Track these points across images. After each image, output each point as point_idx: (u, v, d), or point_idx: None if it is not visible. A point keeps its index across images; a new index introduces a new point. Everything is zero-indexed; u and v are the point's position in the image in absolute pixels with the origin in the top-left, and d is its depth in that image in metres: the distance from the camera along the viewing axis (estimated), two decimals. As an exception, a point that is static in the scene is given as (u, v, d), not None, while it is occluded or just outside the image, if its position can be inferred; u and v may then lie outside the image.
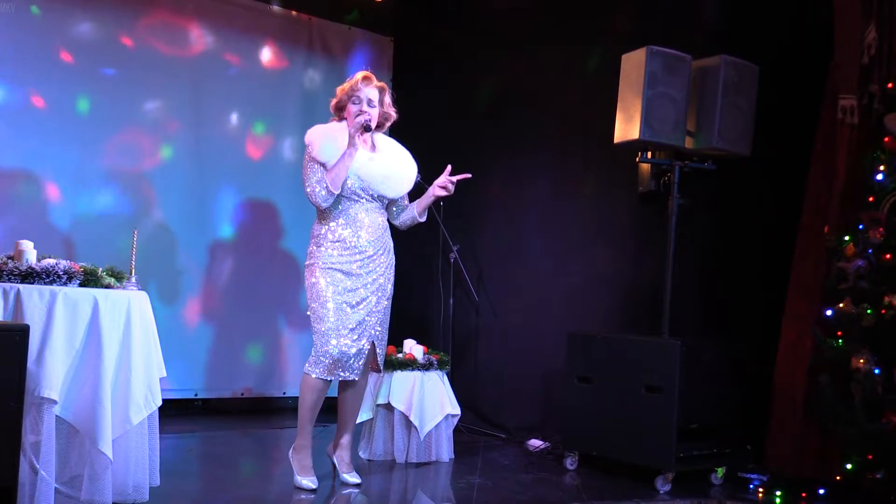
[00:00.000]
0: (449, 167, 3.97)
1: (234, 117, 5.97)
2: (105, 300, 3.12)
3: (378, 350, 3.96)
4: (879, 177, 4.02)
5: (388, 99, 3.97)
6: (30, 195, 5.18)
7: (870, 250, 3.96)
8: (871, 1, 4.20)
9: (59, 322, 3.00)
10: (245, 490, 3.88)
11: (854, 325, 3.92)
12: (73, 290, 3.08)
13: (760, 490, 4.14)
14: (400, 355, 4.61)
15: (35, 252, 3.19)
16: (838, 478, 3.99)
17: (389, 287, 3.98)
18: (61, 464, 3.11)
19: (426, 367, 4.62)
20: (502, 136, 5.77)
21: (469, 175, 3.99)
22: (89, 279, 3.19)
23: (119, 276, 3.35)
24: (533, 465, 4.56)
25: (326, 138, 3.84)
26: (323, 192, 3.78)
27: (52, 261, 3.15)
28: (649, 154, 4.48)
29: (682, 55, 4.30)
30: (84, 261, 3.30)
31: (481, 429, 5.49)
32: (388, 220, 4.04)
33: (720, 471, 4.27)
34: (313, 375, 3.80)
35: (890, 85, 4.12)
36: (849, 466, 3.91)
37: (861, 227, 4.02)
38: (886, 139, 4.04)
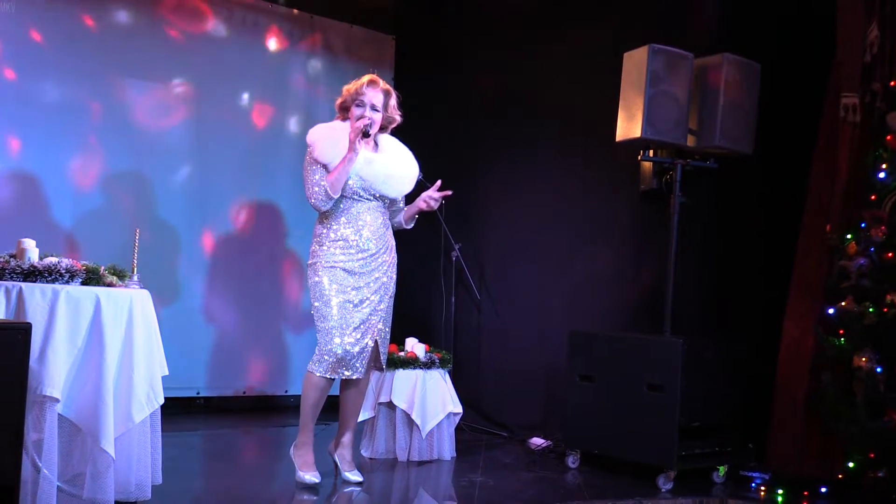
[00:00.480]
0: (439, 182, 3.97)
1: (235, 117, 5.97)
2: (107, 299, 3.12)
3: (381, 349, 3.96)
4: (882, 175, 4.02)
5: (393, 102, 3.96)
6: (31, 193, 5.18)
7: (872, 248, 3.96)
8: (873, -1, 4.21)
9: (61, 320, 3.00)
10: (247, 488, 3.88)
11: (856, 323, 3.92)
12: (76, 289, 3.08)
13: (762, 488, 4.14)
14: (402, 354, 4.61)
15: (37, 250, 3.20)
16: (840, 476, 3.98)
17: (392, 286, 3.98)
18: (64, 462, 3.11)
19: (428, 365, 4.62)
20: (504, 135, 5.77)
21: (450, 192, 3.97)
22: (91, 277, 3.19)
23: (121, 275, 3.35)
24: (535, 464, 4.56)
25: (328, 139, 3.84)
26: (322, 196, 3.78)
27: (54, 259, 3.15)
28: (651, 152, 4.48)
29: (683, 53, 4.30)
30: (86, 259, 3.30)
31: (483, 427, 5.49)
32: None
33: (722, 469, 4.27)
34: (317, 374, 3.81)
35: (892, 83, 4.12)
36: (851, 465, 3.92)
37: (863, 225, 4.02)
38: (889, 137, 4.04)
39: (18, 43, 5.13)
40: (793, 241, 4.43)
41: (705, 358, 4.19)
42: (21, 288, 2.99)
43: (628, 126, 4.28)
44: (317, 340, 3.84)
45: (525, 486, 4.08)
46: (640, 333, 4.50)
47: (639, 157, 4.52)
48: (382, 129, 3.98)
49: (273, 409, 6.05)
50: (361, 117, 3.82)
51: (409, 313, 5.45)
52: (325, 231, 3.88)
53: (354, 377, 3.88)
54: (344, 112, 3.95)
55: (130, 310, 3.19)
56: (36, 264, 3.10)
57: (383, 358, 4.01)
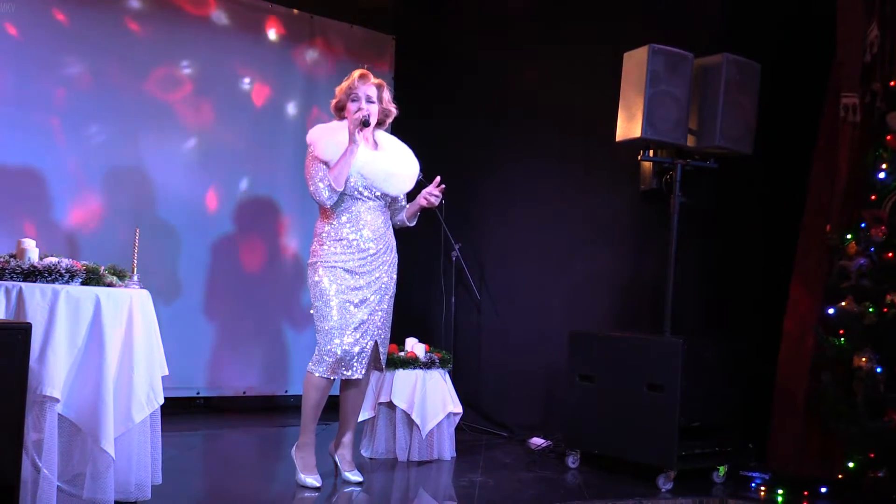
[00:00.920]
0: (438, 178, 3.97)
1: (235, 118, 5.97)
2: (107, 299, 3.12)
3: (381, 349, 3.96)
4: (881, 175, 4.02)
5: (387, 95, 3.97)
6: (32, 193, 5.18)
7: (872, 248, 3.96)
8: (873, -1, 4.21)
9: (61, 320, 3.00)
10: (247, 488, 3.88)
11: (856, 323, 3.92)
12: (76, 289, 3.08)
13: (762, 488, 4.14)
14: (402, 354, 4.61)
15: (37, 250, 3.19)
16: (840, 476, 3.98)
17: (392, 285, 3.98)
18: (63, 462, 3.11)
19: (428, 365, 4.62)
20: (504, 134, 5.77)
21: (443, 185, 3.97)
22: (91, 277, 3.19)
23: (121, 275, 3.35)
24: (535, 464, 4.56)
25: (328, 137, 3.85)
26: (326, 191, 3.78)
27: (54, 259, 3.15)
28: (651, 152, 4.48)
29: (684, 53, 4.29)
30: (86, 259, 3.30)
31: (483, 427, 5.49)
32: None
33: (722, 469, 4.27)
34: (317, 374, 3.81)
35: (892, 83, 4.12)
36: (851, 465, 3.91)
37: (863, 225, 4.01)
38: (889, 137, 4.04)
39: (7, 39, 5.13)
40: (793, 241, 4.43)
41: (705, 358, 4.19)
42: (21, 288, 2.99)
43: (628, 126, 4.28)
44: (316, 340, 3.84)
45: (525, 486, 4.08)
46: (640, 333, 4.50)
47: (639, 157, 4.52)
48: (380, 123, 3.98)
49: (273, 409, 6.05)
50: (359, 110, 3.82)
51: (409, 313, 5.45)
52: (325, 230, 3.88)
53: (354, 377, 3.88)
54: (340, 112, 3.95)
55: (130, 310, 3.19)
56: (36, 264, 3.10)
57: (383, 358, 4.01)
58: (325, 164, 3.80)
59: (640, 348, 4.26)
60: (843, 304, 3.98)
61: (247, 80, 6.03)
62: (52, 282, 3.07)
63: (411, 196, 4.07)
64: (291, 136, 6.12)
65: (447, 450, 4.62)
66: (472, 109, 5.98)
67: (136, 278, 3.44)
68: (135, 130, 5.56)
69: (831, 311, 4.03)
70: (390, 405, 4.54)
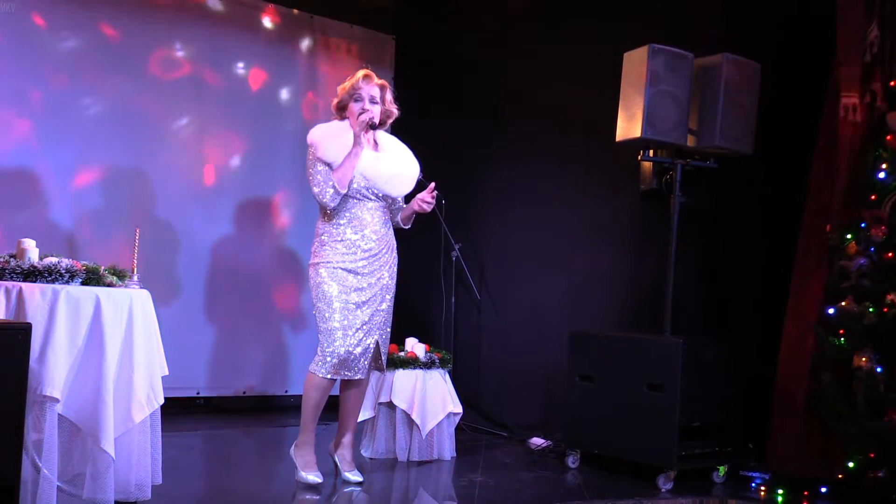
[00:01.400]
0: (433, 184, 3.97)
1: (235, 118, 5.97)
2: (107, 299, 3.12)
3: (381, 349, 3.97)
4: (882, 175, 4.02)
5: (389, 96, 3.97)
6: (32, 193, 5.18)
7: (872, 248, 3.96)
8: (873, -1, 4.21)
9: (61, 320, 3.00)
10: (247, 488, 3.88)
11: (856, 323, 3.92)
12: (76, 289, 3.08)
13: (762, 488, 4.14)
14: (402, 354, 4.61)
15: (37, 250, 3.20)
16: (840, 476, 3.98)
17: (393, 285, 3.98)
18: (63, 462, 3.11)
19: (428, 365, 4.62)
20: (504, 134, 5.77)
21: (435, 192, 3.97)
22: (91, 277, 3.19)
23: (121, 275, 3.35)
24: (535, 464, 4.56)
25: (330, 138, 3.84)
26: (331, 192, 3.78)
27: (54, 259, 3.15)
28: (651, 152, 4.48)
29: (684, 53, 4.29)
30: (86, 259, 3.30)
31: (483, 427, 5.49)
32: None
33: (722, 469, 4.27)
34: (318, 375, 3.81)
35: (892, 83, 4.11)
36: (851, 465, 3.91)
37: (863, 225, 4.01)
38: (889, 137, 4.04)
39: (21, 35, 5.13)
40: (793, 241, 4.43)
41: (705, 358, 4.19)
42: (21, 288, 2.99)
43: (628, 126, 4.28)
44: (318, 341, 3.84)
45: (525, 485, 4.08)
46: (641, 333, 4.50)
47: (639, 157, 4.52)
48: (381, 124, 3.97)
49: (273, 409, 6.05)
50: (363, 111, 3.82)
51: (409, 313, 5.44)
52: (327, 230, 3.87)
53: (356, 378, 3.88)
54: (341, 112, 3.95)
55: (130, 310, 3.19)
56: (36, 264, 3.10)
57: (384, 359, 4.01)
58: (328, 164, 3.80)
59: (640, 348, 4.26)
60: (843, 304, 3.97)
61: (247, 80, 6.03)
62: (52, 282, 3.07)
63: (409, 196, 4.08)
64: (292, 138, 6.11)
65: (447, 450, 4.62)
66: (473, 109, 5.98)
67: (136, 278, 3.44)
68: (135, 130, 5.55)
69: (831, 311, 4.03)
70: (390, 405, 4.54)
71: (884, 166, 4.02)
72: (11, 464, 2.73)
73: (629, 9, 5.02)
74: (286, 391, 6.13)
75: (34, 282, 3.05)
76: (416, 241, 5.11)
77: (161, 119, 5.67)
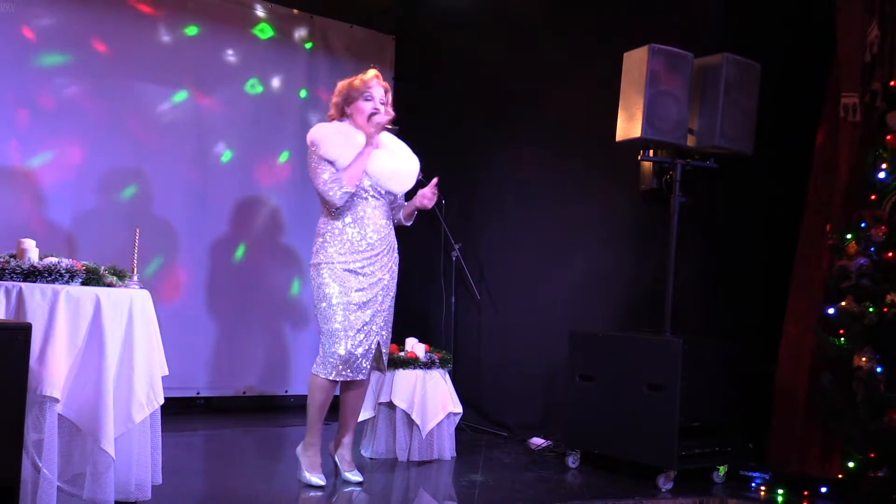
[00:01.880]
0: (435, 179, 3.97)
1: (235, 118, 5.97)
2: (107, 299, 3.12)
3: (382, 349, 3.97)
4: (881, 175, 4.02)
5: (390, 98, 3.98)
6: (32, 193, 5.18)
7: (872, 248, 3.95)
8: (872, -2, 4.21)
9: (61, 321, 3.00)
10: (247, 488, 3.88)
11: (856, 323, 3.91)
12: (76, 289, 3.08)
13: (762, 488, 4.14)
14: (402, 354, 4.61)
15: (37, 250, 3.20)
16: (840, 476, 3.98)
17: (394, 286, 3.98)
18: (63, 462, 3.11)
19: (428, 365, 4.62)
20: (504, 135, 5.77)
21: (436, 179, 4.00)
22: (91, 278, 3.19)
23: (121, 275, 3.35)
24: (535, 464, 4.56)
25: (333, 136, 3.83)
26: (339, 191, 3.76)
27: (54, 259, 3.15)
28: (651, 152, 4.48)
29: (683, 53, 4.29)
30: (86, 259, 3.30)
31: (483, 427, 5.49)
32: None
33: (722, 469, 4.27)
34: (321, 376, 3.80)
35: (892, 83, 4.11)
36: (851, 465, 3.91)
37: (863, 225, 4.01)
38: (889, 137, 4.03)
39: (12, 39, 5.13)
40: (793, 241, 4.43)
41: (705, 358, 4.19)
42: (21, 288, 2.99)
43: (628, 126, 4.28)
44: (319, 341, 3.84)
45: (525, 486, 4.08)
46: (641, 333, 4.50)
47: (639, 157, 4.51)
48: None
49: (273, 409, 6.05)
50: (374, 111, 3.82)
51: (409, 313, 5.45)
52: (328, 230, 3.86)
53: (359, 378, 3.88)
54: (345, 109, 3.91)
55: (130, 310, 3.19)
56: (36, 264, 3.10)
57: (385, 359, 4.01)
58: (331, 163, 3.78)
59: (640, 348, 4.26)
60: (843, 303, 3.97)
61: (247, 80, 6.03)
62: (52, 282, 3.07)
63: (408, 195, 4.08)
64: (292, 138, 6.12)
65: (447, 450, 4.62)
66: (472, 109, 5.98)
67: (136, 278, 3.44)
68: (135, 129, 5.55)
69: (831, 310, 4.03)
70: (390, 405, 4.54)
71: (884, 166, 4.02)
72: (11, 464, 2.72)
73: (629, 9, 5.02)
74: (286, 391, 6.13)
75: (34, 282, 3.05)
76: (416, 241, 5.11)
77: (161, 119, 5.66)
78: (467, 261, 5.68)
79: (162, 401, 3.30)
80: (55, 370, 2.96)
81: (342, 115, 3.93)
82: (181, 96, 5.75)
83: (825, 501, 4.00)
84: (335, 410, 4.14)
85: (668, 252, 4.39)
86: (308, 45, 6.28)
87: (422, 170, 4.08)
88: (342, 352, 3.78)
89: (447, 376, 4.74)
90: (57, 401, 2.98)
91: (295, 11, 6.24)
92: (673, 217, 4.40)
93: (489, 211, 5.81)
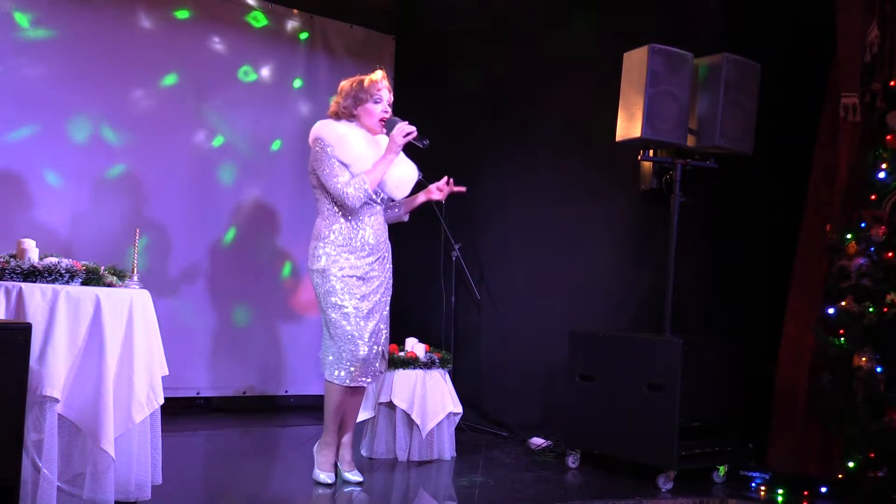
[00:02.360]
0: (446, 178, 3.99)
1: (234, 118, 5.96)
2: (107, 299, 3.12)
3: (383, 351, 3.99)
4: (881, 175, 4.02)
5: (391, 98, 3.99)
6: (32, 193, 5.18)
7: (872, 248, 3.95)
8: (872, -1, 4.21)
9: (61, 320, 3.00)
10: (247, 488, 3.88)
11: (856, 323, 3.91)
12: (76, 289, 3.08)
13: (762, 488, 4.14)
14: (402, 354, 4.61)
15: (37, 250, 3.19)
16: (840, 476, 3.98)
17: (391, 288, 4.02)
18: (64, 462, 3.11)
19: (428, 365, 4.62)
20: (503, 135, 5.77)
21: (464, 189, 4.03)
22: (91, 278, 3.19)
23: (121, 275, 3.35)
24: (535, 464, 4.56)
25: (351, 139, 3.81)
26: (360, 195, 3.75)
27: (54, 259, 3.15)
28: (651, 152, 4.48)
29: (684, 53, 4.29)
30: (86, 259, 3.30)
31: (483, 427, 5.49)
32: None
33: (722, 469, 4.27)
34: (336, 383, 3.82)
35: (892, 83, 4.11)
36: (851, 465, 3.91)
37: (863, 225, 4.01)
38: (889, 137, 4.03)
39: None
40: (793, 241, 4.43)
41: (705, 358, 4.19)
42: (21, 288, 2.99)
43: (628, 126, 4.28)
44: (331, 350, 3.83)
45: (525, 485, 4.07)
46: (641, 333, 4.50)
47: (639, 157, 4.51)
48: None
49: (273, 409, 6.05)
50: (385, 114, 3.84)
51: (409, 313, 5.45)
52: (329, 235, 3.84)
53: (371, 382, 3.92)
54: (355, 108, 3.87)
55: (130, 310, 3.19)
56: (36, 264, 3.10)
57: (385, 360, 4.03)
58: (346, 165, 3.77)
59: (640, 348, 4.26)
60: (843, 303, 3.97)
61: (247, 80, 6.02)
62: (52, 282, 3.07)
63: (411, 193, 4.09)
64: (291, 137, 6.12)
65: (447, 450, 4.62)
66: (472, 110, 5.98)
67: (136, 278, 3.44)
68: (135, 130, 5.55)
69: (831, 310, 4.02)
70: (390, 405, 4.54)
71: (884, 166, 4.01)
72: (11, 464, 2.72)
73: (629, 9, 5.02)
74: (286, 391, 6.13)
75: (34, 282, 3.05)
76: (416, 241, 5.12)
77: (160, 119, 5.66)
78: (467, 261, 5.68)
79: (162, 401, 3.30)
80: (55, 370, 2.96)
81: (350, 116, 3.90)
82: (180, 96, 5.73)
83: (825, 501, 4.00)
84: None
85: (668, 252, 4.39)
86: (303, 35, 6.25)
87: (422, 170, 4.09)
88: (362, 354, 3.80)
89: (447, 376, 4.74)
90: (57, 401, 2.97)
91: (295, 11, 6.24)
92: (673, 217, 4.40)
93: (489, 211, 5.81)
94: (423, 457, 4.53)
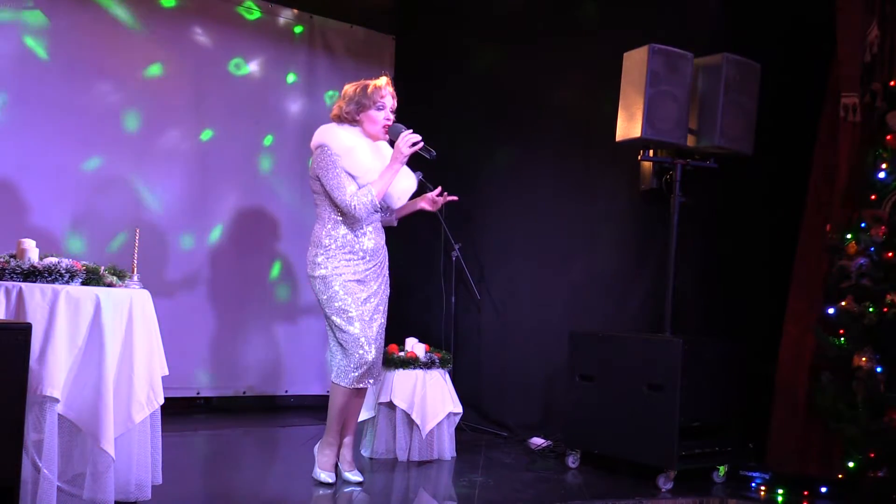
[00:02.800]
0: (439, 188, 4.01)
1: (234, 119, 5.96)
2: (107, 299, 3.12)
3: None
4: (881, 175, 4.02)
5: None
6: (32, 193, 5.18)
7: (872, 248, 3.95)
8: (873, -2, 4.21)
9: (61, 320, 3.00)
10: (247, 488, 3.88)
11: (856, 323, 3.91)
12: (76, 289, 3.08)
13: (762, 488, 4.14)
14: (402, 354, 4.61)
15: (37, 250, 3.19)
16: (840, 476, 3.98)
17: (388, 291, 4.04)
18: (64, 462, 3.11)
19: (428, 365, 4.62)
20: (504, 135, 5.77)
21: (457, 198, 4.03)
22: (91, 277, 3.18)
23: (121, 275, 3.35)
24: (535, 464, 4.56)
25: (356, 150, 3.80)
26: (368, 205, 3.75)
27: (54, 259, 3.15)
28: (651, 152, 4.48)
29: (684, 53, 4.29)
30: (86, 259, 3.30)
31: (483, 427, 5.49)
32: None
33: (722, 469, 4.27)
34: (342, 385, 3.83)
35: (892, 83, 4.11)
36: (851, 465, 3.91)
37: (863, 225, 4.01)
38: (888, 137, 4.03)
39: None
40: (793, 241, 4.43)
41: (705, 358, 4.19)
42: (21, 288, 2.99)
43: (628, 126, 4.28)
44: (336, 354, 3.85)
45: (525, 486, 4.08)
46: (641, 333, 4.50)
47: (639, 157, 4.51)
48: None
49: (273, 409, 6.05)
50: (388, 121, 3.84)
51: (409, 313, 5.45)
52: (328, 241, 3.83)
53: (371, 383, 3.94)
54: (357, 114, 3.85)
55: (130, 310, 3.19)
56: (36, 264, 3.09)
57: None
58: (352, 176, 3.78)
59: (640, 348, 4.26)
60: (843, 303, 3.97)
61: (246, 81, 6.03)
62: (52, 282, 3.07)
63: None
64: (291, 138, 6.13)
65: (447, 450, 4.62)
66: (472, 110, 5.98)
67: (136, 278, 3.44)
68: (135, 130, 5.55)
69: (831, 310, 4.03)
70: (390, 405, 4.54)
71: (884, 166, 4.01)
72: (11, 464, 2.72)
73: (629, 8, 5.02)
74: (286, 391, 6.13)
75: (34, 282, 3.05)
76: (416, 241, 5.11)
77: (160, 119, 5.66)
78: (467, 261, 5.68)
79: (162, 401, 3.30)
80: (55, 370, 2.96)
81: (353, 121, 3.88)
82: (180, 96, 5.73)
83: (825, 501, 4.00)
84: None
85: (668, 252, 4.39)
86: (297, 29, 6.24)
87: (422, 169, 4.09)
88: (370, 357, 3.82)
89: (447, 376, 4.74)
90: (57, 401, 2.97)
91: (295, 11, 6.24)
92: (673, 217, 4.40)
93: (489, 211, 5.81)
94: (424, 457, 4.53)
